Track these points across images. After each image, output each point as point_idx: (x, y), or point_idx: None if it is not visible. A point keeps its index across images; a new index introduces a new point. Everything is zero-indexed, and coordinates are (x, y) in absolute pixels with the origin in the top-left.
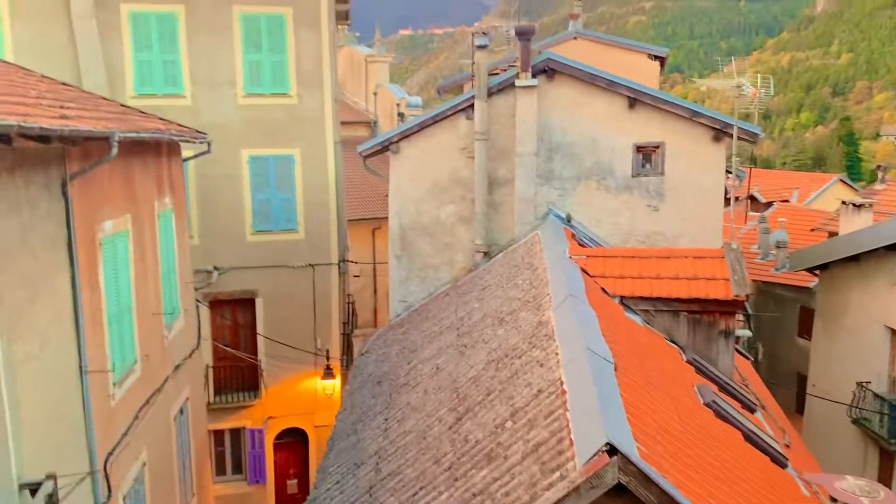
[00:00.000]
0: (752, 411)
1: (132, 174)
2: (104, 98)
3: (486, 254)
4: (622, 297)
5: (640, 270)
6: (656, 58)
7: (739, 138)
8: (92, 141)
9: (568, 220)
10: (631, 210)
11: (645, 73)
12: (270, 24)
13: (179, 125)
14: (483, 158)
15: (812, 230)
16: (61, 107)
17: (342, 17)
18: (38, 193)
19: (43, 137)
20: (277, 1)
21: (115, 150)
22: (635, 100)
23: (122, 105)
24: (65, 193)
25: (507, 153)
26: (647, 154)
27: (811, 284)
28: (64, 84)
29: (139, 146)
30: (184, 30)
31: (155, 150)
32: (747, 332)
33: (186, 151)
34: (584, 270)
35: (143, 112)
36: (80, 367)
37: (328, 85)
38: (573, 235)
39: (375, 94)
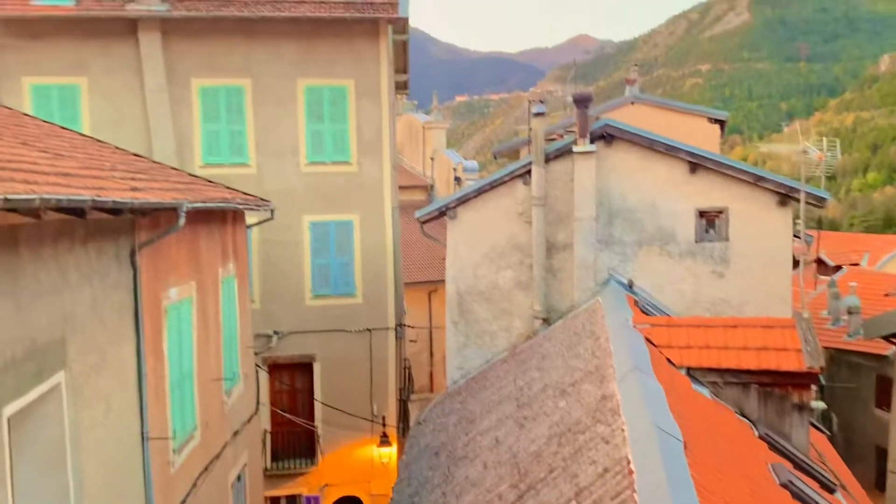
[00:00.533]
0: (832, 491)
1: (198, 242)
2: (173, 168)
3: (545, 320)
4: (689, 369)
5: (706, 340)
6: (716, 121)
7: (806, 203)
8: (161, 211)
9: (630, 286)
10: (695, 276)
11: (704, 137)
12: (333, 96)
13: (244, 193)
14: (541, 223)
15: (886, 295)
16: (132, 178)
17: (401, 86)
18: (108, 263)
19: (115, 210)
20: (340, 73)
21: (182, 221)
22: (696, 164)
23: (191, 174)
24: (133, 262)
25: (566, 218)
26: (710, 219)
27: (888, 352)
28: (136, 155)
29: (205, 214)
30: (250, 102)
31: (220, 217)
32: (821, 405)
33: (250, 218)
34: (648, 340)
35: (210, 181)
36: (142, 433)
37: (387, 152)
38: (636, 302)
39: (432, 159)
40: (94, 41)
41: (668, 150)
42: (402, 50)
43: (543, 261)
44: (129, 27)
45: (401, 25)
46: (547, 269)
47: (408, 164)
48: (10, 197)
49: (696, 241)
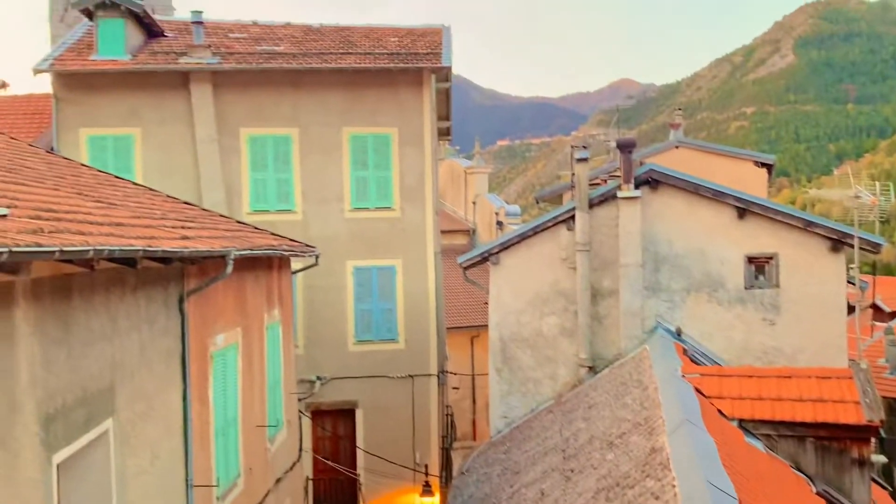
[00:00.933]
0: None
1: (244, 288)
2: (222, 215)
3: (590, 368)
4: (741, 421)
5: (759, 391)
6: (763, 164)
7: (860, 248)
8: (209, 259)
9: (678, 334)
10: (745, 324)
11: (752, 181)
12: (377, 143)
13: (290, 240)
14: (585, 269)
15: None
16: (182, 227)
17: (443, 133)
18: (157, 310)
19: (165, 258)
20: (384, 122)
21: (230, 268)
22: (744, 210)
23: (238, 221)
24: (181, 309)
25: (611, 264)
26: (759, 265)
27: None
28: (186, 203)
29: (252, 261)
30: (297, 150)
31: (266, 264)
32: (882, 458)
33: (295, 264)
34: (698, 390)
35: (256, 228)
36: (187, 480)
37: (430, 198)
38: (684, 351)
39: (474, 203)
40: (148, 94)
41: (715, 196)
42: (444, 97)
43: (588, 307)
44: (182, 80)
45: (444, 74)
46: (592, 316)
47: (450, 208)
48: (65, 249)
49: (746, 288)
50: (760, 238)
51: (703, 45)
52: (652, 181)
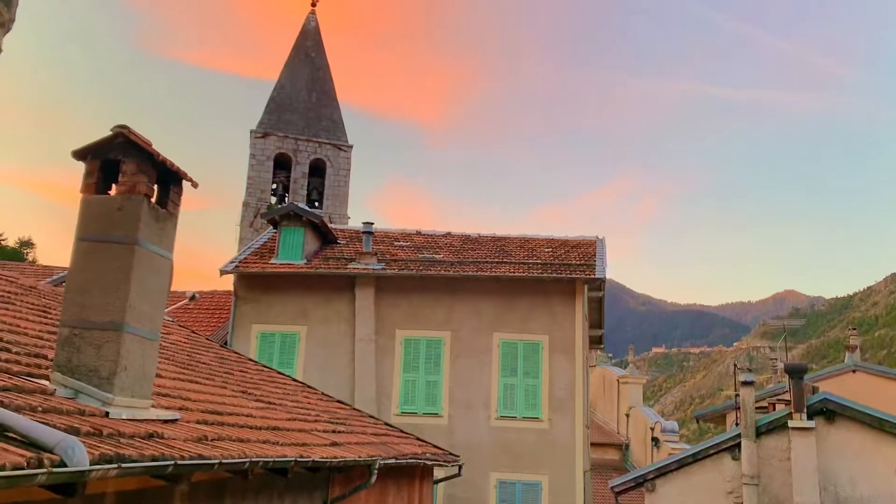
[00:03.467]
0: None
1: (386, 496)
2: (371, 416)
3: None
4: None
5: None
6: None
7: None
8: (354, 466)
9: None
10: None
11: None
12: (527, 351)
13: (434, 446)
14: None
15: None
16: (333, 430)
17: (595, 341)
18: None
19: (314, 467)
20: (535, 329)
21: (374, 478)
22: None
23: (386, 424)
24: None
25: (784, 502)
26: None
27: None
28: (338, 402)
29: (395, 469)
30: (448, 354)
31: (409, 472)
32: None
33: (437, 472)
34: None
35: (403, 432)
36: None
37: (580, 410)
38: None
39: (628, 415)
40: (316, 294)
41: None
42: (597, 306)
43: None
44: (348, 283)
45: (597, 284)
46: None
47: (601, 419)
48: (224, 461)
49: None
50: None
51: (875, 259)
52: (827, 411)
